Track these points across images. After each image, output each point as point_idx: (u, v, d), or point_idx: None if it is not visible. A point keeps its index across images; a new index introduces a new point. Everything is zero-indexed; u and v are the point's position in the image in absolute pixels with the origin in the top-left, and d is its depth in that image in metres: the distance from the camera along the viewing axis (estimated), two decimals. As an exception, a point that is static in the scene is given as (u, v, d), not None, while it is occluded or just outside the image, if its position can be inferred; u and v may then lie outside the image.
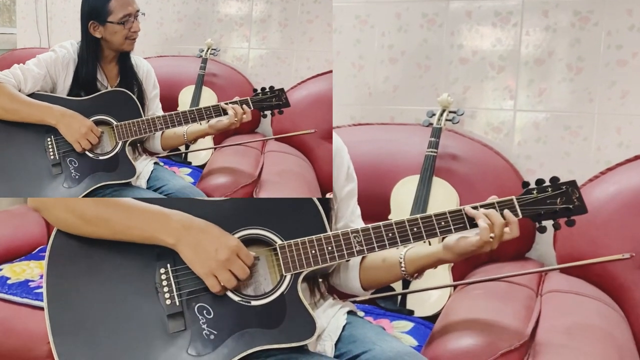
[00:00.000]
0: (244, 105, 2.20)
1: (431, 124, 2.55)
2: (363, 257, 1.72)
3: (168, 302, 1.46)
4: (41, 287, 2.18)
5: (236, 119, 2.18)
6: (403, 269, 1.63)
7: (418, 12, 2.77)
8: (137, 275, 1.49)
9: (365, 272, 1.71)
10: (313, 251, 1.52)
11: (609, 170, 2.27)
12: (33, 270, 2.38)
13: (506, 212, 1.54)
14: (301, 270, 1.51)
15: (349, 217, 1.79)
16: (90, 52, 2.21)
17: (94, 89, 2.23)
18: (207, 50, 3.27)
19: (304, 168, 2.80)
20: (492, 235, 1.51)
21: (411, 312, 2.25)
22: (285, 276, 1.51)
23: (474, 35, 2.68)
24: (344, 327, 1.61)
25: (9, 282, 2.26)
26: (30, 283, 2.25)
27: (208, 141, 3.04)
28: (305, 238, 1.52)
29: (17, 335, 2.04)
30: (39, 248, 2.65)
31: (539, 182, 1.58)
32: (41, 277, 2.29)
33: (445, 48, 2.74)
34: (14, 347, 2.02)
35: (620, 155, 2.35)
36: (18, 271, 2.36)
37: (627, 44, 2.41)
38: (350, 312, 1.69)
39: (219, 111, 2.20)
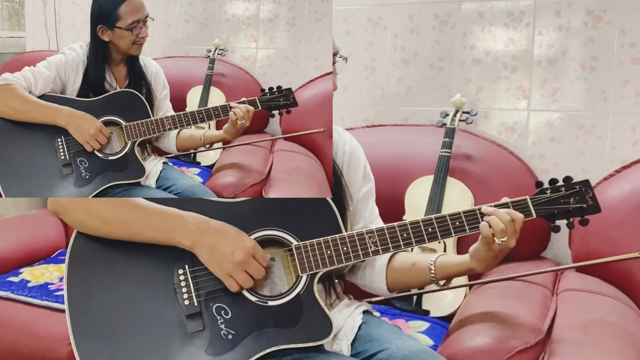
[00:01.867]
0: (246, 105, 2.20)
1: (445, 124, 2.54)
2: (390, 259, 1.72)
3: (186, 302, 1.47)
4: (60, 289, 2.22)
5: (242, 121, 2.18)
6: (433, 275, 1.62)
7: (430, 13, 2.77)
8: (156, 276, 1.50)
9: (393, 274, 1.71)
10: (329, 252, 1.52)
11: (624, 169, 2.27)
12: (52, 274, 2.40)
13: (510, 211, 1.53)
14: (317, 271, 1.52)
15: (368, 217, 1.79)
16: (99, 54, 2.22)
17: (103, 90, 2.24)
18: (215, 51, 3.26)
19: (313, 167, 2.79)
20: (493, 232, 1.50)
21: (427, 312, 2.25)
22: (302, 277, 1.52)
23: (487, 35, 2.67)
24: (360, 326, 1.62)
25: (29, 285, 2.29)
26: (49, 286, 2.28)
27: (216, 141, 3.05)
28: (321, 239, 1.53)
29: (37, 337, 2.05)
30: (57, 252, 2.69)
31: (553, 181, 1.58)
32: (60, 280, 2.32)
33: (457, 49, 2.73)
34: (34, 349, 2.03)
35: (635, 153, 2.35)
36: (37, 274, 2.39)
37: (640, 43, 2.41)
38: (365, 312, 1.69)
39: (228, 111, 2.20)
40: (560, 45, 2.54)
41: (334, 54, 1.74)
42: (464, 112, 2.56)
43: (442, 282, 1.65)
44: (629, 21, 2.41)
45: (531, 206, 1.56)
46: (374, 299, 2.05)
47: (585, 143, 2.50)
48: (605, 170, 2.34)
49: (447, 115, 2.56)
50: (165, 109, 2.41)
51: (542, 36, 2.56)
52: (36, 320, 2.10)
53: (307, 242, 1.53)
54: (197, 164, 3.06)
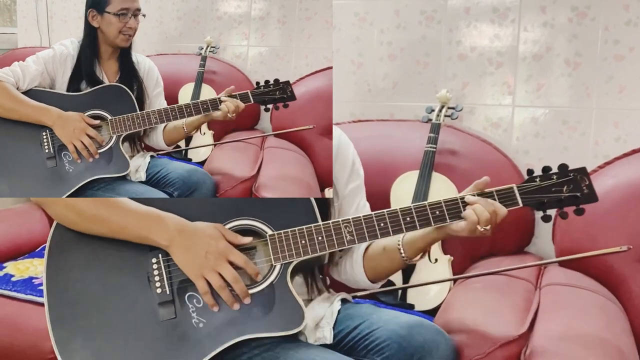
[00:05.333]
0: (236, 100, 2.20)
1: (430, 120, 2.55)
2: (366, 250, 1.72)
3: (159, 290, 1.48)
4: (45, 283, 2.21)
5: (232, 114, 2.18)
6: (402, 254, 1.62)
7: (416, 9, 2.78)
8: (131, 265, 1.51)
9: (368, 262, 1.71)
10: (303, 241, 1.52)
11: (607, 164, 2.27)
12: (37, 268, 2.39)
13: (491, 201, 1.52)
14: (291, 260, 1.51)
15: (354, 214, 1.76)
16: (90, 43, 2.24)
17: (95, 80, 2.26)
18: (207, 48, 3.27)
19: (303, 164, 2.81)
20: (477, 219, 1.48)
21: (411, 306, 2.25)
22: (275, 266, 1.51)
23: (472, 31, 2.68)
24: (339, 310, 1.62)
25: (13, 279, 2.27)
26: (34, 280, 2.26)
27: (208, 138, 3.06)
28: (296, 228, 1.52)
29: (21, 331, 2.03)
30: (42, 246, 2.65)
31: (546, 169, 1.54)
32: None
33: (443, 44, 2.74)
34: (18, 343, 2.01)
35: (618, 149, 2.35)
36: (22, 269, 2.38)
37: (624, 39, 2.41)
38: (343, 300, 1.69)
39: (216, 104, 2.19)
40: (545, 42, 2.54)
41: None
42: (449, 108, 2.56)
43: (416, 258, 1.64)
44: (613, 18, 2.42)
45: (517, 194, 1.52)
46: (359, 293, 2.05)
47: (569, 139, 2.50)
48: (589, 165, 2.26)
49: (433, 110, 2.57)
50: (158, 106, 2.41)
51: (527, 32, 2.57)
52: (20, 315, 2.08)
53: (282, 231, 1.52)
54: (189, 161, 3.07)
